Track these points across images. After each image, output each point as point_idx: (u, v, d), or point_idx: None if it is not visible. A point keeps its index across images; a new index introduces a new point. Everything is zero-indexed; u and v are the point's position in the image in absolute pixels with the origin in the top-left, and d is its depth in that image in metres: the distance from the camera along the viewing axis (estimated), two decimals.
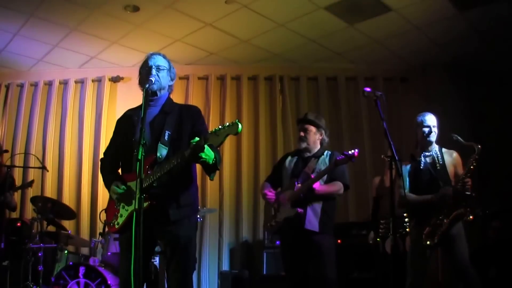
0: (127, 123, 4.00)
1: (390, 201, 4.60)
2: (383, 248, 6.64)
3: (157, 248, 5.96)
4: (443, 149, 5.20)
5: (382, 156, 5.86)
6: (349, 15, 7.42)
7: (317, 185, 5.03)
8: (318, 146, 5.42)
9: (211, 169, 3.70)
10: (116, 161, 4.08)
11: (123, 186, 3.79)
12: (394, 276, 4.94)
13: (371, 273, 6.88)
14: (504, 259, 6.80)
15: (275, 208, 5.26)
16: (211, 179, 3.95)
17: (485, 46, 8.40)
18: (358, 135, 9.05)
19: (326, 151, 5.39)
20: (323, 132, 5.45)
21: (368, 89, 4.41)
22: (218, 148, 3.67)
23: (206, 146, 3.39)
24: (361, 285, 6.92)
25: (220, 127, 3.32)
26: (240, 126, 3.26)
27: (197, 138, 3.36)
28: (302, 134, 5.39)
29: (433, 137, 5.16)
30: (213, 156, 3.55)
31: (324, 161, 5.25)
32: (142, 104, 3.57)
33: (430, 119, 5.19)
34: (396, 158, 4.27)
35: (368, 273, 6.92)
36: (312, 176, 5.10)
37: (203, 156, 3.44)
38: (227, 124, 3.30)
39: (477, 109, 8.81)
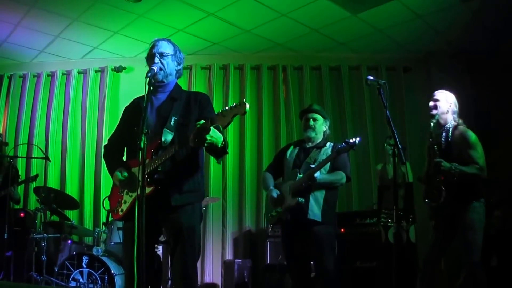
0: (134, 110, 3.99)
1: (394, 190, 4.60)
2: (386, 237, 6.64)
3: (161, 238, 5.95)
4: (460, 128, 5.08)
5: (385, 144, 5.87)
6: (352, 4, 7.38)
7: (319, 174, 5.02)
8: (321, 137, 5.43)
9: (220, 152, 3.67)
10: (121, 148, 4.08)
11: (125, 173, 3.77)
12: (397, 265, 4.95)
13: (374, 263, 6.88)
14: (506, 249, 6.79)
15: (277, 198, 5.25)
16: (218, 163, 3.93)
17: (487, 34, 8.36)
18: (361, 124, 9.02)
19: (328, 143, 5.40)
20: (327, 123, 5.47)
21: (371, 78, 4.40)
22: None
23: (212, 128, 3.35)
24: (364, 274, 6.93)
25: (226, 108, 3.27)
26: (247, 105, 3.19)
27: (202, 121, 3.32)
28: (312, 122, 5.38)
29: (434, 111, 5.11)
30: (221, 139, 3.51)
31: (326, 151, 5.25)
32: (148, 94, 3.54)
33: (437, 94, 5.20)
34: (400, 146, 4.25)
35: (371, 263, 6.92)
36: (313, 166, 5.09)
37: (209, 138, 3.37)
38: (234, 104, 3.24)
39: (479, 98, 8.78)
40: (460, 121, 5.14)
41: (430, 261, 5.01)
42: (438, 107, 5.11)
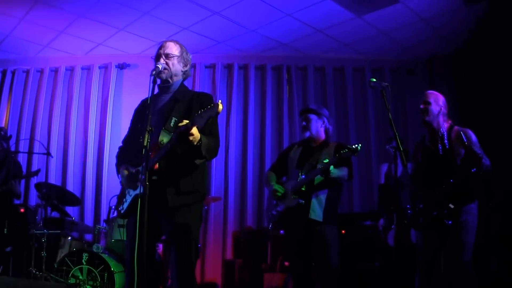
0: (141, 110, 4.04)
1: (395, 192, 4.60)
2: (385, 239, 6.63)
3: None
4: (455, 128, 4.91)
5: (387, 146, 5.84)
6: (357, 6, 7.38)
7: (332, 168, 4.95)
8: (323, 136, 5.40)
9: (195, 152, 3.60)
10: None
11: (126, 172, 3.80)
12: (398, 267, 4.93)
13: (375, 264, 6.88)
14: (506, 252, 6.78)
15: (278, 198, 5.25)
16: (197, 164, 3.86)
17: (490, 38, 8.36)
18: (364, 126, 9.03)
19: (331, 142, 5.39)
20: (325, 120, 5.42)
21: (374, 80, 4.42)
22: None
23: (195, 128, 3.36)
24: (365, 275, 6.92)
25: (202, 110, 3.31)
26: (220, 106, 3.24)
27: (185, 121, 3.36)
28: (304, 123, 5.39)
29: (425, 115, 4.95)
30: (198, 138, 3.45)
31: (329, 152, 5.23)
32: (152, 92, 3.56)
33: (428, 95, 5.03)
34: (401, 149, 4.24)
35: (372, 264, 6.91)
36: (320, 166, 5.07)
37: (191, 138, 3.38)
38: (209, 106, 3.30)
39: (483, 101, 8.77)
40: (450, 121, 5.00)
41: (426, 272, 4.84)
42: (429, 111, 4.93)
